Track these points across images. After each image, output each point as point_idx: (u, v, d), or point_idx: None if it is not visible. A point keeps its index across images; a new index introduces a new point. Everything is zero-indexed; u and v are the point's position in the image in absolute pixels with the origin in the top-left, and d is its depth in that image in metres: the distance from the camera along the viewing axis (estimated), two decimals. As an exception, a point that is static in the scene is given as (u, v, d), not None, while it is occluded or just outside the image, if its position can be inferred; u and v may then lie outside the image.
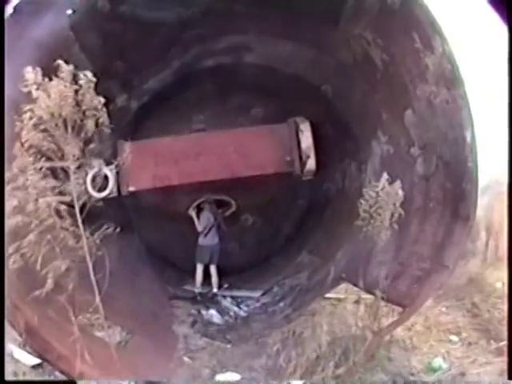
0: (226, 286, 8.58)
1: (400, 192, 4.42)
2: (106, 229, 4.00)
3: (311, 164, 6.68)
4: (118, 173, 6.44)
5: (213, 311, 7.08)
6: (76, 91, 3.53)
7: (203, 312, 7.05)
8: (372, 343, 4.61)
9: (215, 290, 8.09)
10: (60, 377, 4.18)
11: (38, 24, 4.69)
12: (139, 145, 6.75)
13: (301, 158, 6.67)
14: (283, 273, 8.25)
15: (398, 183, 4.45)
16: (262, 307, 7.31)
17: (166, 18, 5.76)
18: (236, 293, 8.19)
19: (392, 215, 4.44)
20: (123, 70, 6.18)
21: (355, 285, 5.40)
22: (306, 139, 6.71)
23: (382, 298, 4.69)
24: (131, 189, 6.57)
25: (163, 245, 8.87)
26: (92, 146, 3.86)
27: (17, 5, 4.28)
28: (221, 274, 8.34)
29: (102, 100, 3.63)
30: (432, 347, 5.61)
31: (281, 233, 9.34)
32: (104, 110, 3.69)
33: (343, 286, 6.09)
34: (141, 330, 5.41)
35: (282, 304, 6.98)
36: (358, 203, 4.57)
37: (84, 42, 5.26)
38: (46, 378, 4.67)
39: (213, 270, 8.22)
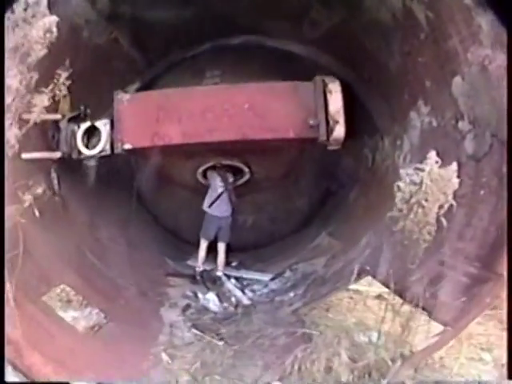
0: (234, 263, 7.96)
1: (455, 178, 3.60)
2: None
3: (339, 131, 5.53)
4: (112, 128, 5.65)
5: (211, 295, 6.17)
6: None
7: (200, 295, 6.14)
8: (399, 372, 3.57)
9: (219, 273, 7.22)
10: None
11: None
12: (139, 97, 5.90)
13: (328, 122, 5.53)
14: (298, 255, 7.51)
15: (453, 166, 3.66)
16: (269, 295, 6.41)
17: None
18: (243, 273, 7.42)
19: (440, 208, 3.59)
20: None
21: (383, 283, 4.66)
22: (335, 101, 5.58)
23: (417, 306, 3.76)
24: (127, 146, 5.60)
25: (171, 214, 8.66)
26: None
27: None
28: (229, 252, 7.59)
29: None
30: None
31: (298, 210, 8.74)
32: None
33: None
34: (122, 312, 4.94)
35: (291, 294, 6.05)
36: (395, 188, 3.87)
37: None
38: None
39: (221, 248, 7.38)
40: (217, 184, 7.22)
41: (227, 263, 7.66)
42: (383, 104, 6.04)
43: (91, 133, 5.65)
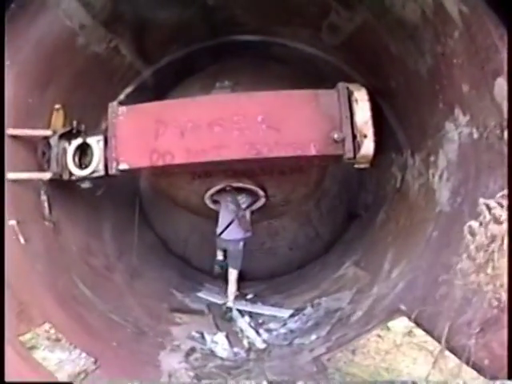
0: (249, 295, 7.24)
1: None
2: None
3: (368, 146, 4.84)
4: (106, 145, 5.09)
5: (221, 336, 5.33)
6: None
7: (207, 337, 5.32)
8: None
9: (230, 303, 6.45)
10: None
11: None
12: (136, 109, 5.19)
13: (354, 137, 4.86)
14: (319, 287, 6.67)
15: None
16: (287, 336, 5.54)
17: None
18: (258, 309, 6.60)
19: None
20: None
21: (419, 325, 3.95)
22: (363, 112, 4.91)
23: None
24: (122, 167, 4.97)
25: (179, 239, 8.23)
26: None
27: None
28: (242, 281, 6.98)
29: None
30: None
31: (318, 236, 8.15)
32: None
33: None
34: (114, 356, 4.34)
35: (313, 336, 5.18)
36: (465, 230, 3.46)
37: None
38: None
39: (231, 275, 6.61)
40: (228, 210, 6.46)
41: (241, 295, 7.06)
42: (413, 115, 5.39)
43: (84, 151, 5.18)
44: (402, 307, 4.37)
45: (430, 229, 4.48)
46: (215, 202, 6.69)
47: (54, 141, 5.02)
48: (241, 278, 6.97)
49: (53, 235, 5.02)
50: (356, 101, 4.92)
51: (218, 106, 4.98)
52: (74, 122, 5.14)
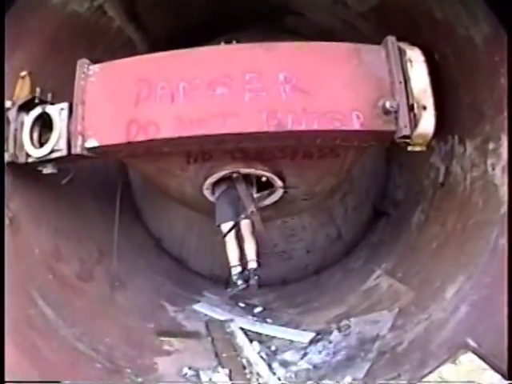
0: (257, 309, 6.19)
1: None
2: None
3: (428, 121, 3.74)
4: (70, 115, 4.00)
5: (222, 375, 3.98)
6: None
7: (203, 375, 3.99)
8: None
9: (253, 263, 5.06)
10: None
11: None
12: (112, 66, 4.04)
13: (411, 108, 3.71)
14: (345, 302, 5.68)
15: None
16: (311, 375, 4.20)
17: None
18: (269, 330, 5.40)
19: None
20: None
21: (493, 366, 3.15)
22: (419, 76, 3.83)
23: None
24: (90, 144, 3.78)
25: (174, 238, 7.50)
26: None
27: None
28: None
29: None
30: None
31: (341, 237, 7.42)
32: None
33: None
34: None
35: (347, 379, 3.92)
36: None
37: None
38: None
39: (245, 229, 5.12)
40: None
41: (248, 307, 6.20)
42: (464, 93, 4.57)
43: (47, 126, 4.15)
44: (471, 342, 3.45)
45: (495, 234, 3.80)
46: (217, 193, 5.19)
47: (12, 114, 4.14)
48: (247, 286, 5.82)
49: (11, 236, 4.05)
50: (410, 61, 3.87)
51: (222, 60, 3.72)
52: (38, 90, 4.18)
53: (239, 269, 5.06)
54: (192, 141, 3.76)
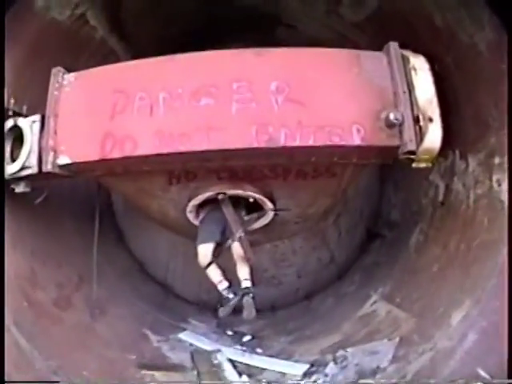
0: (246, 337, 5.90)
1: None
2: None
3: (435, 135, 3.48)
4: (42, 129, 3.69)
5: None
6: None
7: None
8: None
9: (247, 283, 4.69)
10: None
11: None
12: (89, 75, 3.74)
13: (416, 119, 3.45)
14: (340, 330, 5.39)
15: None
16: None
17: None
18: (260, 362, 5.04)
19: None
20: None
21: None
22: (425, 85, 3.59)
23: None
24: (62, 160, 3.47)
25: (159, 263, 7.22)
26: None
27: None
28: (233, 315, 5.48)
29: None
30: None
31: (334, 260, 7.13)
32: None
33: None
34: None
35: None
36: None
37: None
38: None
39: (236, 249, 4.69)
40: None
41: (236, 335, 5.92)
42: (466, 104, 4.40)
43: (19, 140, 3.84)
44: (482, 372, 3.37)
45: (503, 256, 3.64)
46: (202, 216, 4.88)
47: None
48: (235, 312, 5.45)
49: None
50: (414, 69, 3.62)
51: (208, 67, 3.40)
52: (11, 101, 3.99)
53: (226, 283, 4.68)
54: (173, 158, 3.45)
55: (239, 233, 4.35)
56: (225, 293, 4.64)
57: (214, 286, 4.80)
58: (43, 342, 3.95)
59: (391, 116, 3.24)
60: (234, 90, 3.29)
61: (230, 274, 4.76)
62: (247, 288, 4.56)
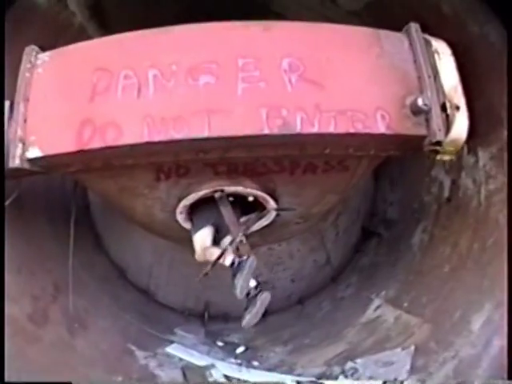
0: (240, 349, 5.54)
1: None
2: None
3: (461, 124, 3.23)
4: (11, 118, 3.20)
5: None
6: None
7: None
8: None
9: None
10: None
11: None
12: (66, 53, 3.29)
13: (442, 106, 3.15)
14: (344, 338, 5.11)
15: None
16: None
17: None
18: (259, 377, 4.75)
19: None
20: None
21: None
22: (449, 71, 3.32)
23: None
24: (32, 153, 2.99)
25: (141, 269, 6.76)
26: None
27: None
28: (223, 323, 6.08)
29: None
30: None
31: (330, 262, 6.79)
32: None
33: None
34: None
35: None
36: None
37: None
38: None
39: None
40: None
41: (229, 346, 5.59)
42: (476, 97, 4.03)
43: None
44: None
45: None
46: (193, 218, 4.34)
47: None
48: (224, 320, 5.86)
49: None
50: (437, 53, 3.36)
51: (207, 41, 2.96)
52: None
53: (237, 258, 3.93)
54: (165, 148, 2.97)
55: (240, 237, 3.86)
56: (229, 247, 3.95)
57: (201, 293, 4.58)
58: (18, 364, 3.51)
59: (419, 102, 2.91)
60: (240, 67, 2.87)
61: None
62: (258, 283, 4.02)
